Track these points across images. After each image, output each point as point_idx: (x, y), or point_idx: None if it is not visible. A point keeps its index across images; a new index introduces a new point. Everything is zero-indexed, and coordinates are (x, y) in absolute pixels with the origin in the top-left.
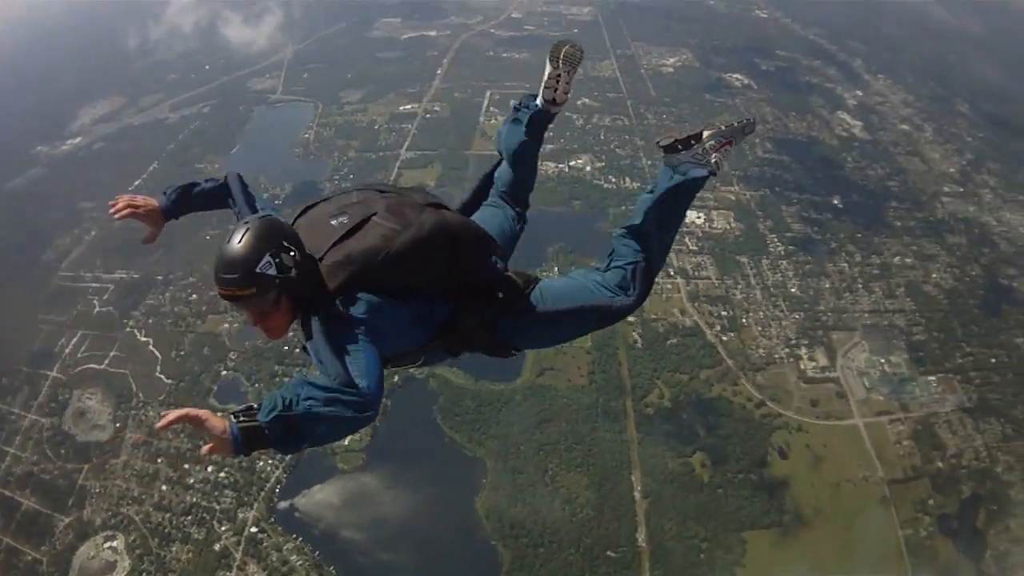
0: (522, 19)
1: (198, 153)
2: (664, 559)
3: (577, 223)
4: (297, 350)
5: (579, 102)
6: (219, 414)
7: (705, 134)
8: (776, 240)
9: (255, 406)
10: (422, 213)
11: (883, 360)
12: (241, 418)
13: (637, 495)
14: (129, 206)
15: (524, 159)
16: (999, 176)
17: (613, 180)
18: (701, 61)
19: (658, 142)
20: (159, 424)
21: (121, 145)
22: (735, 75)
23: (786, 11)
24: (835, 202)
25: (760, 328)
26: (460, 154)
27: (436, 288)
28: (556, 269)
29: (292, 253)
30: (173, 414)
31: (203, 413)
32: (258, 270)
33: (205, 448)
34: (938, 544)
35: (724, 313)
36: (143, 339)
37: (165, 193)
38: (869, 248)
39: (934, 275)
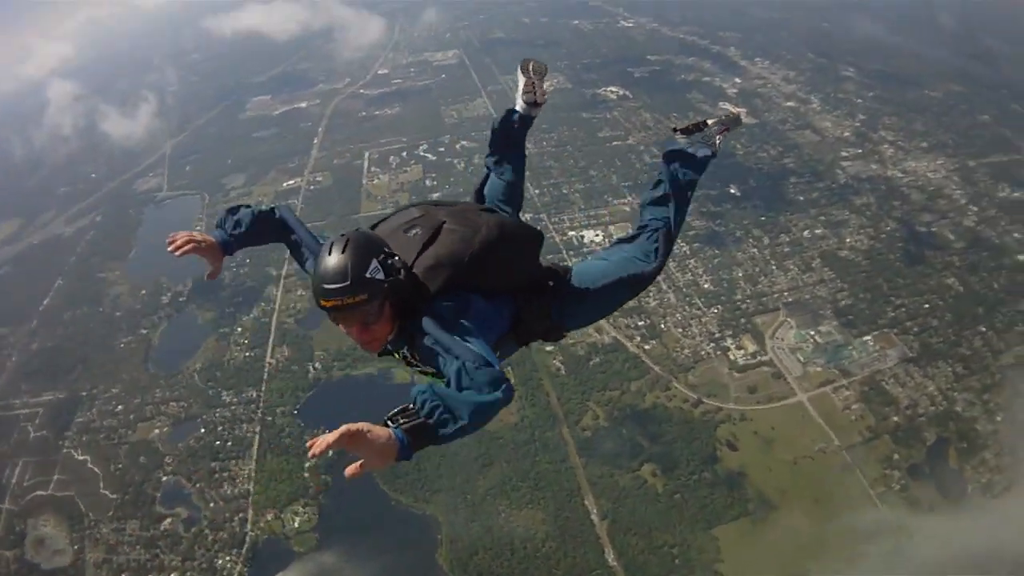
0: (389, 74)
1: (98, 262)
2: (640, 573)
3: None
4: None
5: (458, 145)
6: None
7: (710, 122)
8: (680, 241)
9: (409, 407)
10: (482, 216)
11: (813, 332)
12: (400, 420)
13: (595, 518)
14: (190, 242)
15: (514, 163)
16: (896, 130)
17: None
18: (574, 81)
19: (675, 128)
20: (314, 451)
21: (25, 266)
22: (610, 88)
23: (651, 16)
24: (732, 191)
25: (681, 330)
26: (350, 219)
27: (504, 284)
28: None
29: (396, 258)
30: (331, 437)
31: (363, 426)
32: (368, 275)
33: (354, 467)
34: (917, 492)
35: (641, 323)
36: (81, 458)
37: (221, 227)
38: (776, 228)
39: (848, 239)
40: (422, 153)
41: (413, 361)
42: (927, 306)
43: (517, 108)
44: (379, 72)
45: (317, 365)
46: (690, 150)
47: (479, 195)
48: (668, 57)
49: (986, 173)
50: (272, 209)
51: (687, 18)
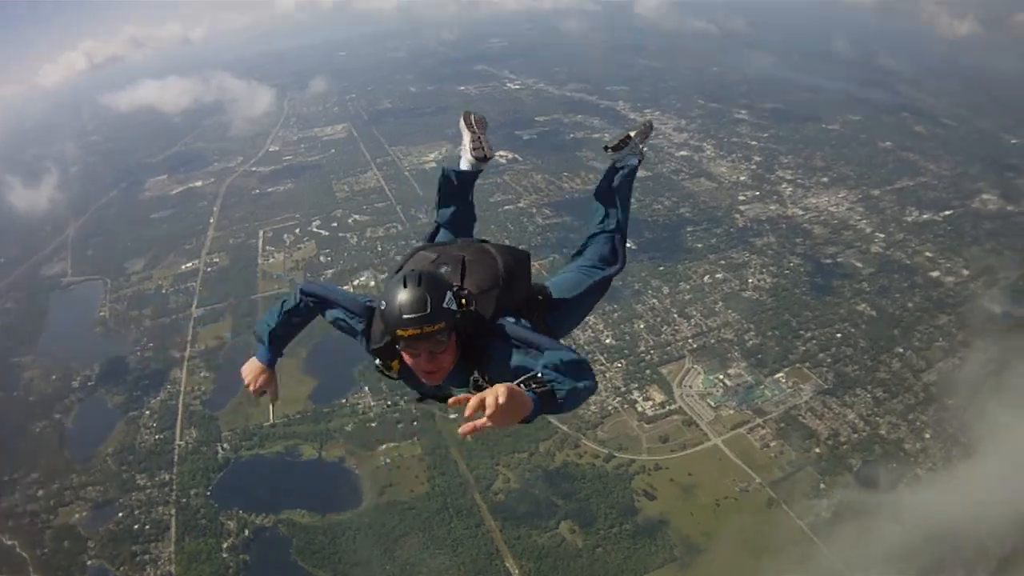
0: (280, 151)
1: (10, 347)
2: None
3: None
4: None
5: (350, 220)
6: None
7: (632, 134)
8: None
9: (537, 376)
10: (486, 246)
11: (721, 376)
12: (533, 386)
13: None
14: (257, 391)
15: (465, 214)
16: (794, 167)
17: None
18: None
19: (606, 146)
20: (464, 431)
21: None
22: (499, 153)
23: (537, 76)
24: (629, 245)
25: None
26: (248, 300)
27: (515, 301)
28: (367, 389)
29: (466, 291)
30: (485, 422)
31: (510, 387)
32: (444, 305)
33: (471, 426)
34: (847, 518)
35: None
36: (8, 543)
37: (263, 341)
38: (675, 277)
39: (750, 280)
40: (315, 229)
41: (483, 382)
42: (839, 335)
43: (464, 167)
44: (270, 149)
45: (225, 446)
46: (619, 164)
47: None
48: (556, 116)
49: (892, 200)
50: (297, 304)
51: (573, 75)
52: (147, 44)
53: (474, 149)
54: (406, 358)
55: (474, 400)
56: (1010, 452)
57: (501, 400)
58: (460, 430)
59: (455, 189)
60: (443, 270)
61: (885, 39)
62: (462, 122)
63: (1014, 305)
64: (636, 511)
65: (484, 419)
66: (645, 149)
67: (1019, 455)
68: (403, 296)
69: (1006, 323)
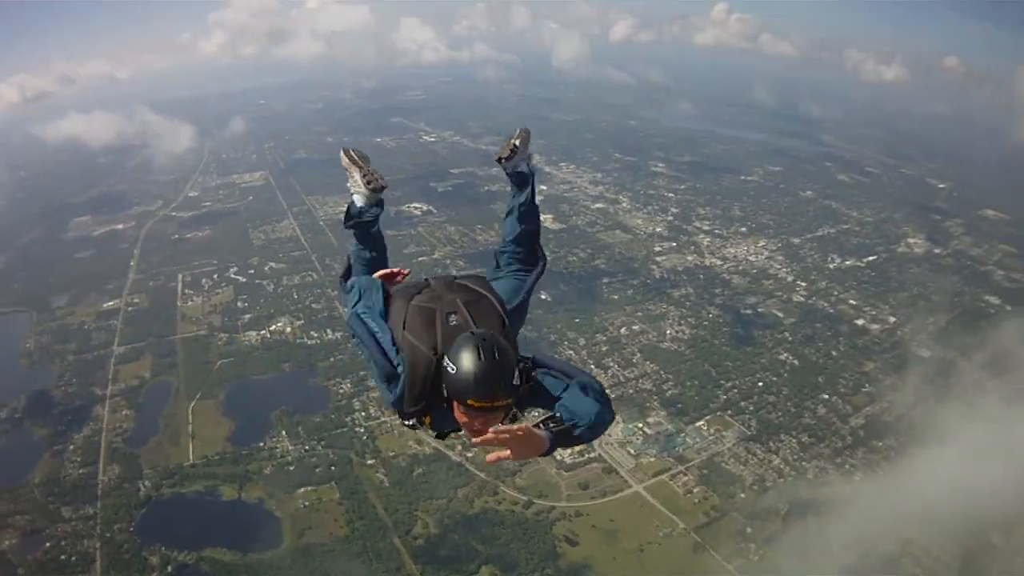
0: (199, 196)
1: None
2: None
3: (291, 384)
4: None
5: (266, 267)
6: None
7: (519, 144)
8: None
9: (556, 416)
10: (462, 282)
11: (641, 425)
12: (551, 425)
13: None
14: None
15: (376, 243)
16: (712, 218)
17: (315, 335)
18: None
19: (499, 158)
20: (492, 460)
21: None
22: (413, 205)
23: (453, 129)
24: (544, 296)
25: None
26: (167, 341)
27: None
28: (284, 433)
29: (523, 363)
30: (504, 455)
31: (526, 427)
32: (514, 382)
33: (496, 456)
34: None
35: (460, 432)
36: None
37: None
38: (591, 328)
39: (668, 331)
40: (232, 275)
41: (519, 414)
42: (760, 384)
43: (359, 203)
44: (190, 194)
45: (147, 483)
46: (515, 170)
47: (344, 278)
48: (471, 169)
49: (813, 248)
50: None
51: (488, 128)
52: (76, 82)
53: (368, 183)
54: (458, 415)
55: (499, 440)
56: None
57: (521, 441)
58: (487, 459)
59: (363, 227)
60: (454, 321)
61: (808, 88)
62: (345, 159)
63: (943, 349)
64: (558, 555)
65: (507, 452)
66: (531, 154)
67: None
68: (479, 369)
69: (934, 366)
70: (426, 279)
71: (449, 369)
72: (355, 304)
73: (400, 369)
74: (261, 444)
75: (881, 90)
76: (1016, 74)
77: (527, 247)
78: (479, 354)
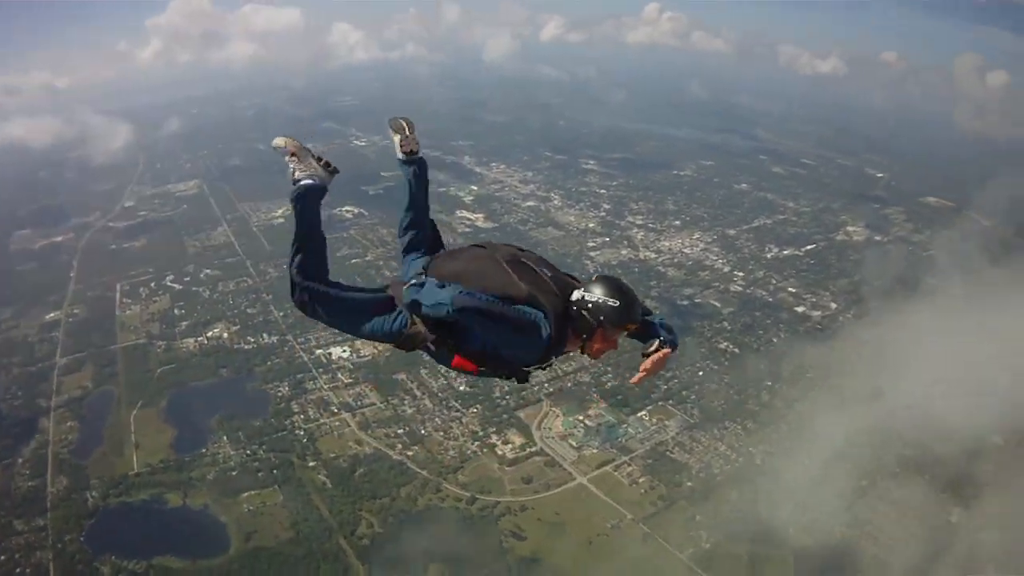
0: (135, 206)
1: None
2: None
3: (229, 390)
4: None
5: (201, 274)
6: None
7: (409, 134)
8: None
9: (662, 339)
10: (480, 249)
11: (581, 417)
12: (664, 345)
13: None
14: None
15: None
16: (645, 213)
17: (252, 340)
18: None
19: (411, 151)
20: (637, 380)
21: None
22: (345, 208)
23: (382, 134)
24: None
25: (442, 433)
26: (107, 350)
27: None
28: (225, 438)
29: None
30: (651, 369)
31: (662, 348)
32: None
33: (639, 376)
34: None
35: (400, 431)
36: None
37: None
38: None
39: None
40: (169, 283)
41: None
42: (701, 373)
43: (400, 156)
44: (126, 205)
45: (94, 493)
46: (411, 160)
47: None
48: (401, 172)
49: (749, 238)
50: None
51: (419, 131)
52: (22, 92)
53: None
54: (599, 345)
55: (658, 368)
56: None
57: (667, 359)
58: (633, 380)
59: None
60: (545, 271)
61: (742, 83)
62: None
63: (884, 332)
64: (506, 551)
65: (647, 372)
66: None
67: None
68: (631, 297)
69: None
70: (460, 247)
71: (606, 302)
72: (443, 293)
73: (539, 320)
74: (203, 450)
75: (818, 83)
76: (954, 64)
77: (430, 223)
78: (623, 286)
